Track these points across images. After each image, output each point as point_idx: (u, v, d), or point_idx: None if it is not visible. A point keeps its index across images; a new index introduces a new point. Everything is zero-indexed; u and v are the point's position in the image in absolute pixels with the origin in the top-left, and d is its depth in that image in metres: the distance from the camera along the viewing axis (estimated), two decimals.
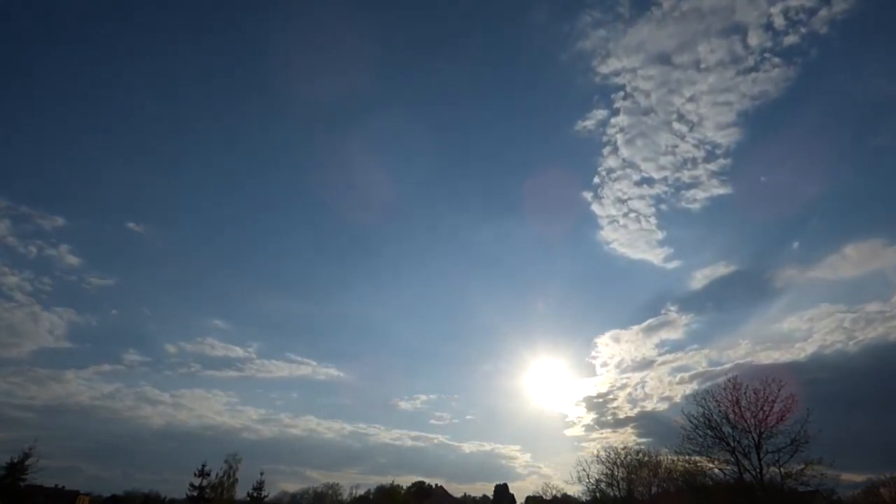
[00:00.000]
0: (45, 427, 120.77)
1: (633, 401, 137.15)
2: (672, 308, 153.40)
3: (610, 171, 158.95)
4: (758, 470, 29.44)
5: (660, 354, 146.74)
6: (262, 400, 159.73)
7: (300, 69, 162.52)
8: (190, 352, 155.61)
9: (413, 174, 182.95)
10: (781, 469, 28.82)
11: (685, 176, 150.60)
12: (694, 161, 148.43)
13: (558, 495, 73.80)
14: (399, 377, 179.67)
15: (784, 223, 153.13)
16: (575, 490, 59.56)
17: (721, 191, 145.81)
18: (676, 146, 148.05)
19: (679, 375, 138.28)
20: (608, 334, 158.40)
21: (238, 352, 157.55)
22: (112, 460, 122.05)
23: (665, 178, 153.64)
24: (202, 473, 47.58)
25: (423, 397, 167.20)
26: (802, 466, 28.20)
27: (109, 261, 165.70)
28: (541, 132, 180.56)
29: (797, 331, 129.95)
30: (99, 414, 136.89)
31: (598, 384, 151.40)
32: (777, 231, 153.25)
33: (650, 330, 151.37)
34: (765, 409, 29.83)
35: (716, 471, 32.21)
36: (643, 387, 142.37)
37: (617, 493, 47.64)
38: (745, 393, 30.93)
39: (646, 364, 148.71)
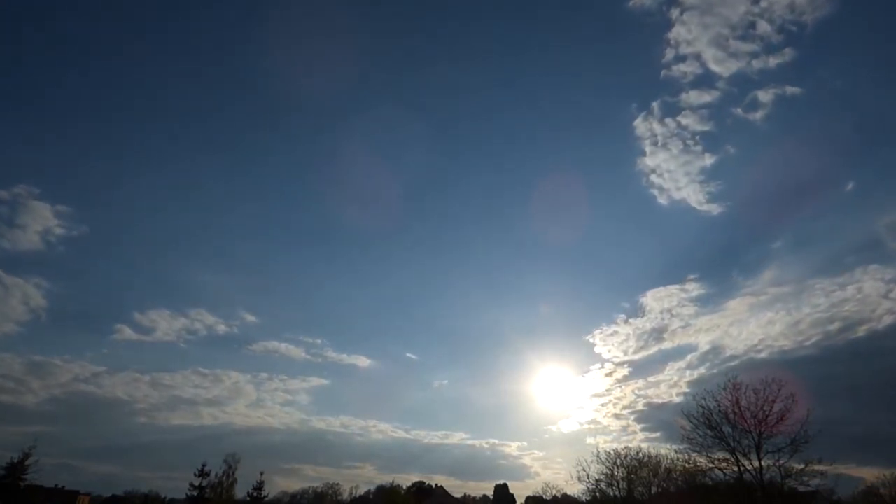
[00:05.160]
0: (41, 423, 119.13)
1: (640, 394, 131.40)
2: (692, 276, 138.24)
3: (663, 66, 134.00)
4: (758, 470, 29.46)
5: (670, 337, 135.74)
6: (259, 389, 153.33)
7: (295, 64, 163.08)
8: (177, 328, 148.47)
9: (417, 160, 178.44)
10: (781, 469, 28.87)
11: (754, 67, 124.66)
12: (769, 48, 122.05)
13: (558, 495, 73.77)
14: (404, 371, 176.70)
15: (846, 150, 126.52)
16: (575, 490, 59.54)
17: (793, 89, 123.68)
18: (753, 25, 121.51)
19: (689, 357, 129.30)
20: (620, 318, 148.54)
21: (231, 330, 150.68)
22: (112, 459, 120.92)
23: (730, 76, 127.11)
24: (202, 473, 47.73)
25: (436, 384, 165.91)
26: (802, 466, 28.25)
27: (78, 202, 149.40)
28: (588, 18, 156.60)
29: (834, 302, 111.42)
30: (92, 407, 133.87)
31: (607, 378, 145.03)
32: (837, 161, 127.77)
33: (662, 313, 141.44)
34: (765, 409, 29.89)
35: (716, 471, 32.19)
36: (653, 377, 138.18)
37: (617, 493, 47.58)
38: (745, 393, 31.02)
39: (656, 351, 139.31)
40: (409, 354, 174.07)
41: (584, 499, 56.83)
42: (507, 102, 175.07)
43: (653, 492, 46.21)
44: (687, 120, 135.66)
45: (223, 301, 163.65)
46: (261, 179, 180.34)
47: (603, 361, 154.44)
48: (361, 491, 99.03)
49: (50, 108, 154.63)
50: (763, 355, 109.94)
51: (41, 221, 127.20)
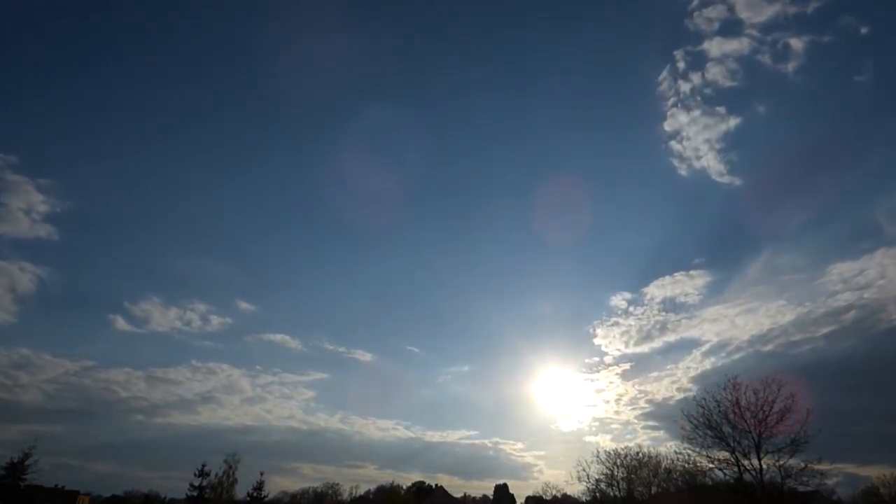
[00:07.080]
0: (39, 422, 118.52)
1: (642, 390, 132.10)
2: (699, 261, 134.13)
3: (687, 13, 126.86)
4: (758, 470, 29.44)
5: (674, 329, 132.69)
6: (255, 383, 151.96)
7: (295, 64, 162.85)
8: (170, 319, 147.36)
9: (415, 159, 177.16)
10: (781, 469, 28.85)
11: (789, 12, 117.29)
12: None
13: (558, 495, 73.75)
14: (405, 367, 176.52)
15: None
16: (575, 490, 59.53)
17: (828, 37, 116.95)
18: None
19: (693, 351, 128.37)
20: (622, 309, 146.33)
21: (225, 320, 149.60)
22: (112, 459, 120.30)
23: (762, 23, 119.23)
24: (202, 473, 47.68)
25: (440, 379, 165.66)
26: (803, 466, 28.24)
27: (61, 176, 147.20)
28: None
29: (852, 288, 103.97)
30: (88, 404, 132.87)
31: (609, 374, 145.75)
32: (861, 131, 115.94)
33: (665, 302, 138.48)
34: (765, 409, 29.87)
35: (716, 471, 32.19)
36: (655, 372, 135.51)
37: (617, 493, 47.55)
38: (744, 393, 31.02)
39: (660, 344, 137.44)
40: (410, 347, 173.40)
41: (584, 499, 56.82)
42: (512, 92, 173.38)
43: (653, 492, 46.18)
44: (711, 74, 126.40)
45: (219, 294, 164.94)
46: (261, 179, 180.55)
47: (603, 356, 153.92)
48: (361, 491, 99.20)
49: (50, 106, 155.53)
50: (770, 347, 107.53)
51: (24, 195, 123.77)
